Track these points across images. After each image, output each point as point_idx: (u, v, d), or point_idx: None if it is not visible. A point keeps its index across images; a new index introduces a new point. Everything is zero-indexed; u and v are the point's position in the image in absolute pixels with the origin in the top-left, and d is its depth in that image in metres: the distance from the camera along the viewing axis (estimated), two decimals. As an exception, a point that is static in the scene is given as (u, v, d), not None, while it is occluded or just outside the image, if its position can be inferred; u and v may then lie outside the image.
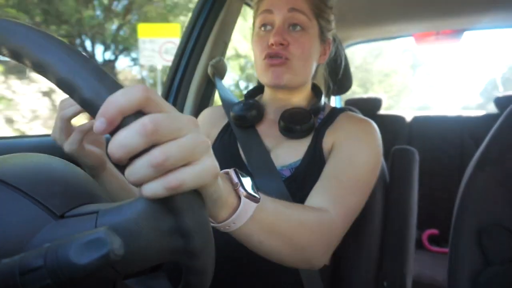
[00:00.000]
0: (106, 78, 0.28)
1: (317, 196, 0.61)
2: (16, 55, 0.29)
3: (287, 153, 0.73)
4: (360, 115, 0.78)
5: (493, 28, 1.80)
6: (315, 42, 0.75)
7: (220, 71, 1.16)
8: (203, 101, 1.24)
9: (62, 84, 0.27)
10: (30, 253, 0.25)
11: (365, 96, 2.25)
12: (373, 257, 0.86)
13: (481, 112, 1.96)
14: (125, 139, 0.25)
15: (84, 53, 0.29)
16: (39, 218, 0.29)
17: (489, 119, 1.84)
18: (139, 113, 0.26)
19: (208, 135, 0.84)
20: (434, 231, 1.84)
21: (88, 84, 0.27)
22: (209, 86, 1.24)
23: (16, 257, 0.25)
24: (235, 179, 0.42)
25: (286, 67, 0.71)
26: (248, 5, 1.30)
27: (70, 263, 0.23)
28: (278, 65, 0.71)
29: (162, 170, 0.26)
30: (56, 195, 0.31)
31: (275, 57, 0.71)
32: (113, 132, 0.26)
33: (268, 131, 0.78)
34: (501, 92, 2.05)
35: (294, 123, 0.73)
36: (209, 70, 1.17)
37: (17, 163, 0.34)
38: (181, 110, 1.21)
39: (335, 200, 0.60)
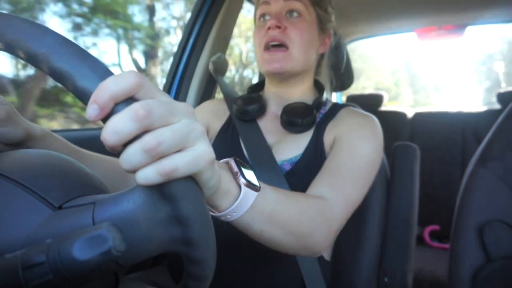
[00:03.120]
0: (99, 66, 0.28)
1: (317, 186, 0.62)
2: (9, 48, 0.29)
3: (288, 148, 0.74)
4: (362, 110, 0.78)
5: (496, 23, 1.78)
6: (313, 29, 0.76)
7: (221, 67, 1.16)
8: (204, 98, 1.23)
9: (55, 74, 0.27)
10: (32, 248, 0.25)
11: (366, 92, 2.24)
12: (374, 253, 0.87)
13: (483, 108, 1.95)
14: (117, 125, 0.25)
15: (75, 42, 0.29)
16: (38, 210, 0.29)
17: (491, 115, 1.83)
18: (131, 100, 0.27)
19: (210, 126, 0.85)
20: (435, 227, 1.85)
21: (80, 73, 0.27)
22: (210, 82, 1.24)
23: (18, 252, 0.25)
24: (235, 168, 0.42)
25: (286, 54, 0.73)
26: (249, 0, 1.30)
27: (72, 259, 0.23)
28: (278, 53, 0.73)
29: (156, 156, 0.26)
30: (54, 187, 0.31)
31: (274, 46, 0.73)
32: (105, 120, 0.26)
33: (270, 126, 0.78)
34: (504, 88, 2.04)
35: (296, 116, 0.73)
36: (210, 66, 1.17)
37: (15, 157, 0.34)
38: (182, 106, 1.21)
39: (334, 189, 0.60)
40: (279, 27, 0.72)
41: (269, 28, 0.72)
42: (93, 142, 0.66)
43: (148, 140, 0.26)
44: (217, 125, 0.83)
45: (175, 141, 0.27)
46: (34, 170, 0.33)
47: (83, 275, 0.24)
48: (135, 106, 0.25)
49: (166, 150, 0.26)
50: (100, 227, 0.25)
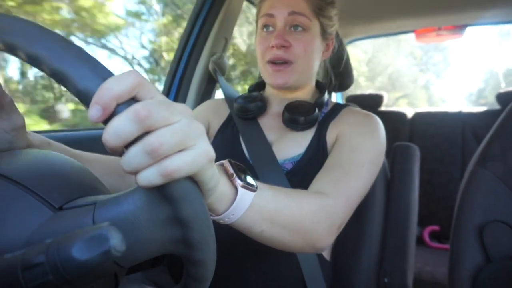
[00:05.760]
0: (99, 67, 0.27)
1: (318, 182, 0.61)
2: (10, 49, 0.29)
3: (290, 146, 0.74)
4: (364, 110, 0.78)
5: (496, 24, 1.78)
6: (317, 40, 0.76)
7: (221, 67, 1.16)
8: (204, 98, 1.23)
9: (56, 75, 0.27)
10: (32, 248, 0.25)
11: (366, 92, 2.24)
12: (374, 253, 0.87)
13: (482, 108, 1.95)
14: (119, 127, 0.25)
15: (76, 44, 0.29)
16: (39, 211, 0.29)
17: (490, 115, 1.83)
18: (131, 101, 0.26)
19: (210, 124, 0.85)
20: (435, 227, 1.85)
21: (81, 74, 0.27)
22: (210, 82, 1.24)
23: (18, 253, 0.25)
24: (230, 170, 0.41)
25: (290, 69, 0.73)
26: (249, 1, 1.30)
27: (72, 259, 0.23)
28: (282, 70, 0.72)
29: (157, 157, 0.26)
30: (55, 188, 0.31)
31: (278, 62, 0.72)
32: (106, 121, 0.26)
33: (271, 124, 0.78)
34: (503, 88, 2.03)
35: (299, 114, 0.73)
36: (210, 66, 1.17)
37: (16, 158, 0.34)
38: (182, 106, 1.20)
39: (335, 184, 0.60)
40: (284, 46, 0.71)
41: (273, 46, 0.71)
42: (92, 143, 0.66)
43: (150, 141, 0.25)
44: (217, 123, 0.83)
45: (177, 141, 0.26)
46: (34, 170, 0.33)
47: (82, 275, 0.24)
48: (136, 107, 0.25)
49: (168, 150, 0.26)
50: (100, 227, 0.24)
